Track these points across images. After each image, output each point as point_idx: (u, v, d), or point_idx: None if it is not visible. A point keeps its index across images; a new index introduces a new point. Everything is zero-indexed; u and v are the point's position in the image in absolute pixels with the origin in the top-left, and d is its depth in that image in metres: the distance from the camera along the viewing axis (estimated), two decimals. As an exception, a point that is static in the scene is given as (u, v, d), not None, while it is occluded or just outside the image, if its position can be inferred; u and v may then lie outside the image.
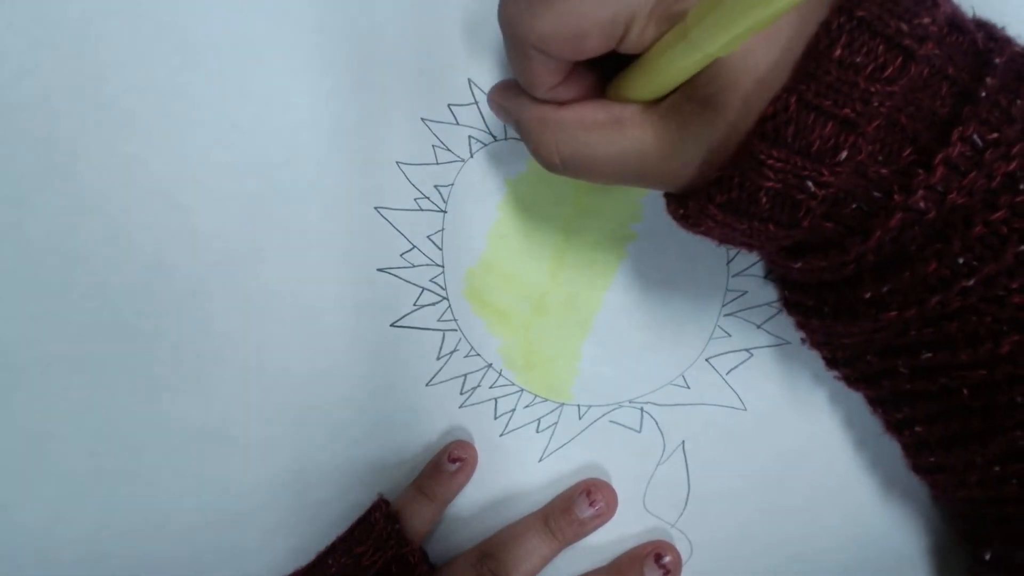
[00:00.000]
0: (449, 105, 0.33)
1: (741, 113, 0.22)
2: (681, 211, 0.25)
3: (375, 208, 0.34)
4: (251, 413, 0.35)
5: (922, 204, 0.21)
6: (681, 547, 0.35)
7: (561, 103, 0.25)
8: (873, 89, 0.20)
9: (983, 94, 0.21)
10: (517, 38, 0.23)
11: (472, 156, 0.33)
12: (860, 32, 0.20)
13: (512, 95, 0.27)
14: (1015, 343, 0.22)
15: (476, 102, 0.33)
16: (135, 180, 0.33)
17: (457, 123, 0.33)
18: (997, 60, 0.21)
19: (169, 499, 0.35)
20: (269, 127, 0.33)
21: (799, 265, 0.25)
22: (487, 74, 0.33)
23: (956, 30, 0.22)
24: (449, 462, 0.34)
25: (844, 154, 0.21)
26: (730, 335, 0.34)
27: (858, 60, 0.20)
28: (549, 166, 0.26)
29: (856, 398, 0.32)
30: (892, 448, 0.32)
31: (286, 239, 0.34)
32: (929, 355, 0.24)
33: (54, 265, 0.34)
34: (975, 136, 0.21)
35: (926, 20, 0.20)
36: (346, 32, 0.33)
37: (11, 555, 0.35)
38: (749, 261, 0.33)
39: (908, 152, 0.21)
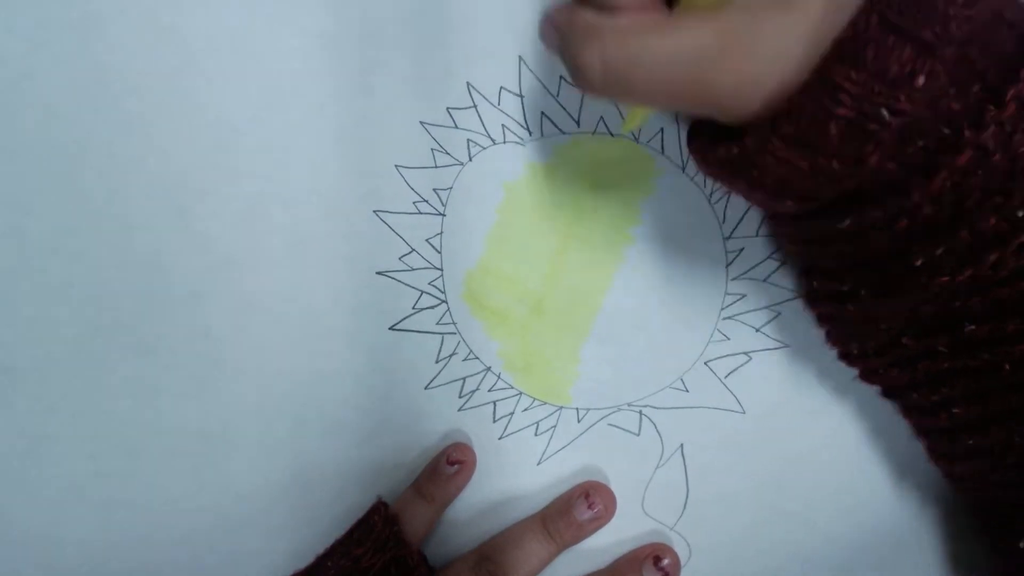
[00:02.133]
0: (448, 109, 0.33)
1: (820, 20, 0.21)
2: (736, 150, 0.23)
3: (374, 211, 0.34)
4: (250, 416, 0.35)
5: (990, 143, 0.21)
6: (680, 550, 0.35)
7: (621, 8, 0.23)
8: (951, 12, 0.20)
9: None
10: None
11: (471, 159, 0.33)
12: None
13: (566, 9, 0.24)
14: None
15: (475, 105, 0.33)
16: (134, 183, 0.34)
17: (456, 127, 0.33)
18: None
19: (169, 502, 0.35)
20: (268, 131, 0.33)
21: (847, 223, 0.24)
22: (486, 78, 0.33)
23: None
24: (447, 464, 0.34)
25: (922, 79, 0.20)
26: (729, 338, 0.34)
27: None
28: (588, 79, 0.23)
29: (856, 401, 0.32)
30: (890, 450, 0.32)
31: (285, 242, 0.34)
32: (973, 327, 0.24)
33: (54, 268, 0.34)
34: None
35: None
36: (345, 36, 0.33)
37: (11, 559, 0.35)
38: (748, 264, 0.33)
39: (977, 89, 0.21)
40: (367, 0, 0.33)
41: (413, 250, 0.34)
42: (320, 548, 0.35)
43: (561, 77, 0.33)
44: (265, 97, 0.33)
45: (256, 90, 0.33)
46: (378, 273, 0.34)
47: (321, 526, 0.36)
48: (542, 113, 0.33)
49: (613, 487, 0.35)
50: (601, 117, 0.33)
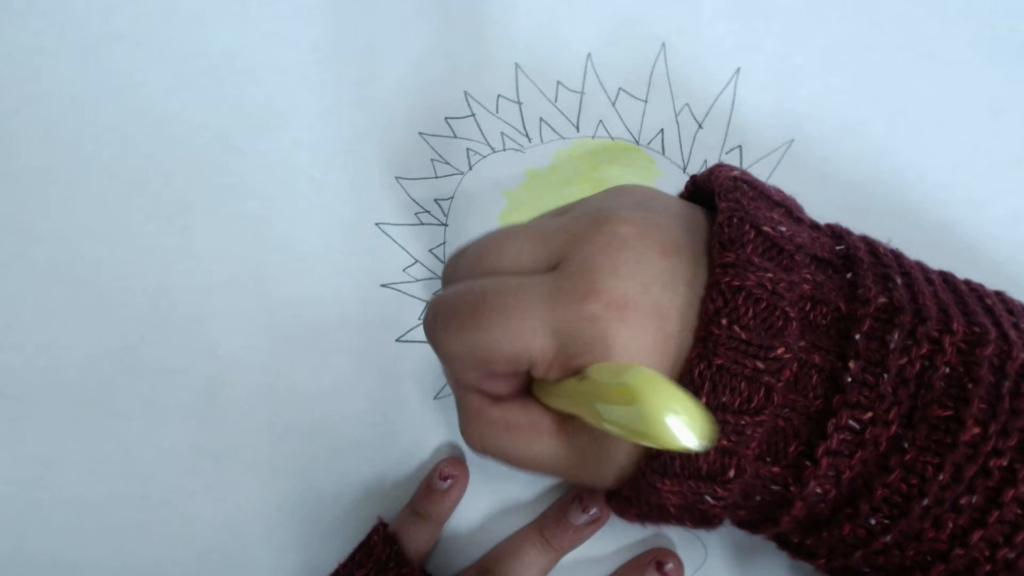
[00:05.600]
0: (446, 119, 0.33)
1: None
2: (608, 505, 0.27)
3: (376, 224, 0.34)
4: (260, 434, 0.35)
5: (818, 490, 0.23)
6: (695, 551, 0.35)
7: (491, 394, 0.26)
8: (743, 421, 0.21)
9: (849, 380, 0.22)
10: (435, 349, 0.25)
11: (471, 168, 0.33)
12: (721, 376, 0.21)
13: (458, 368, 0.28)
14: (942, 571, 0.23)
15: (473, 115, 0.33)
16: (136, 205, 0.34)
17: (455, 136, 0.33)
18: (857, 336, 0.22)
19: (181, 522, 0.35)
20: (267, 148, 0.33)
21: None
22: (483, 87, 0.33)
23: (818, 303, 0.23)
24: (440, 480, 0.34)
25: (732, 473, 0.22)
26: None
27: (724, 400, 0.21)
28: (474, 451, 0.27)
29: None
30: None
31: (288, 258, 0.34)
32: (867, 570, 0.25)
33: (59, 293, 0.34)
34: (850, 422, 0.22)
35: (780, 351, 0.21)
36: (340, 51, 0.33)
37: (23, 586, 0.35)
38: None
39: (794, 447, 0.23)
40: (361, 14, 0.33)
41: (417, 261, 0.34)
42: (330, 564, 0.35)
43: (559, 83, 0.33)
44: (263, 115, 0.33)
45: (254, 108, 0.33)
46: (382, 286, 0.34)
47: (333, 541, 0.35)
48: (540, 119, 0.33)
49: (627, 490, 0.35)
50: (600, 121, 0.33)
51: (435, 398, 0.35)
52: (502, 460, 0.26)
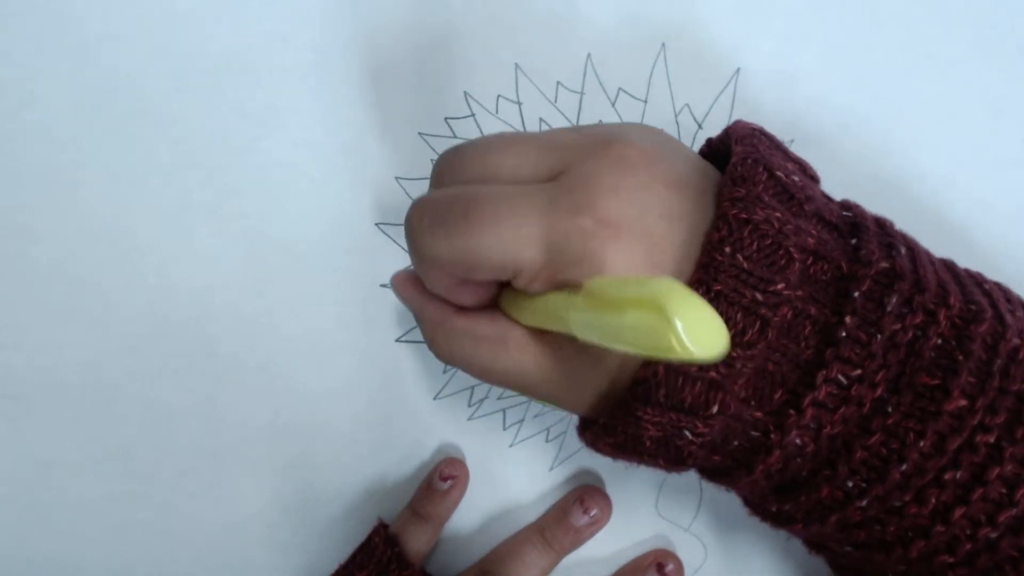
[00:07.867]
0: (446, 119, 0.33)
1: (620, 364, 0.23)
2: (581, 437, 0.26)
3: (376, 224, 0.34)
4: (260, 435, 0.35)
5: (798, 441, 0.22)
6: (695, 551, 0.35)
7: (456, 303, 0.26)
8: (735, 354, 0.21)
9: (843, 334, 0.22)
10: (414, 250, 0.24)
11: (471, 168, 0.33)
12: (719, 303, 0.21)
13: (412, 288, 0.28)
14: (923, 548, 0.23)
15: (473, 115, 0.33)
16: (137, 206, 0.34)
17: (455, 136, 0.33)
18: (856, 293, 0.22)
19: (180, 523, 0.35)
20: (267, 148, 0.33)
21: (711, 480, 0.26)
22: (483, 87, 0.33)
23: (820, 259, 0.22)
24: (440, 480, 0.34)
25: (715, 408, 0.22)
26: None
27: None
28: (443, 360, 0.27)
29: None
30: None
31: (288, 258, 0.34)
32: (850, 549, 0.25)
33: (59, 293, 0.34)
34: (839, 376, 0.22)
35: (780, 286, 0.21)
36: (342, 50, 0.33)
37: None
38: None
39: (779, 394, 0.22)
40: (360, 14, 0.33)
41: (417, 261, 0.34)
42: (331, 565, 0.35)
43: (559, 83, 0.33)
44: (263, 115, 0.33)
45: (253, 108, 0.33)
46: (382, 286, 0.34)
47: (332, 542, 0.35)
48: (540, 119, 0.33)
49: (627, 490, 0.35)
50: (600, 120, 0.33)
51: (435, 398, 0.35)
52: (471, 372, 0.26)
